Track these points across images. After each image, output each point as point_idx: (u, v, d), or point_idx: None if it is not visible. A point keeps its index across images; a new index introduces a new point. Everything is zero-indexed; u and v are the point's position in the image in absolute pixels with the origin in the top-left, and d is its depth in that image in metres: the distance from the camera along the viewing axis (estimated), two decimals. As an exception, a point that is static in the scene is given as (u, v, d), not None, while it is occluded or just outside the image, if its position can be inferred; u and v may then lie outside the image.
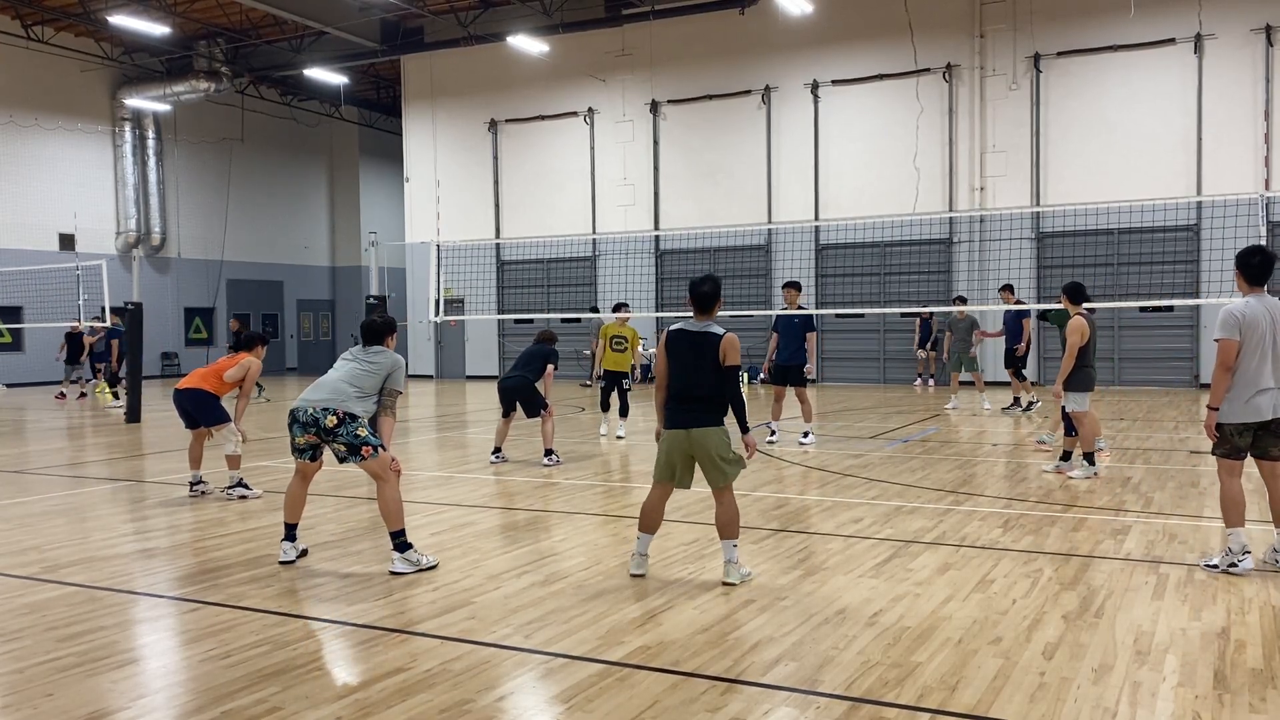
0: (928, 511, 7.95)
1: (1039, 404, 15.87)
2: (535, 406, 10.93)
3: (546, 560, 6.50)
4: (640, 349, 13.37)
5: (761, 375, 12.79)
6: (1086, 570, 6.06)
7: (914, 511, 7.96)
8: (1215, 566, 6.03)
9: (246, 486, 9.06)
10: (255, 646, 4.84)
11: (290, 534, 6.52)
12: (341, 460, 6.26)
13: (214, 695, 4.23)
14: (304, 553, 6.64)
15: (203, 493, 9.13)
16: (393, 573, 6.17)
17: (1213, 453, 6.15)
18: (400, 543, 6.24)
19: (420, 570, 6.20)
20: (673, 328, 6.00)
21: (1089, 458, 9.43)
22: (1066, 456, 9.81)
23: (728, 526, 5.89)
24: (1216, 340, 5.97)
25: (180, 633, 5.18)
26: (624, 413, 13.14)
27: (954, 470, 10.08)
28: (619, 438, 13.01)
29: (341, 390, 6.24)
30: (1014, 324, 15.46)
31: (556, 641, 4.86)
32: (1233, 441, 6.03)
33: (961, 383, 17.27)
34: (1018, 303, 15.71)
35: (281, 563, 6.45)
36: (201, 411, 9.04)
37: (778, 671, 4.41)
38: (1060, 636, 4.83)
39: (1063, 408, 9.62)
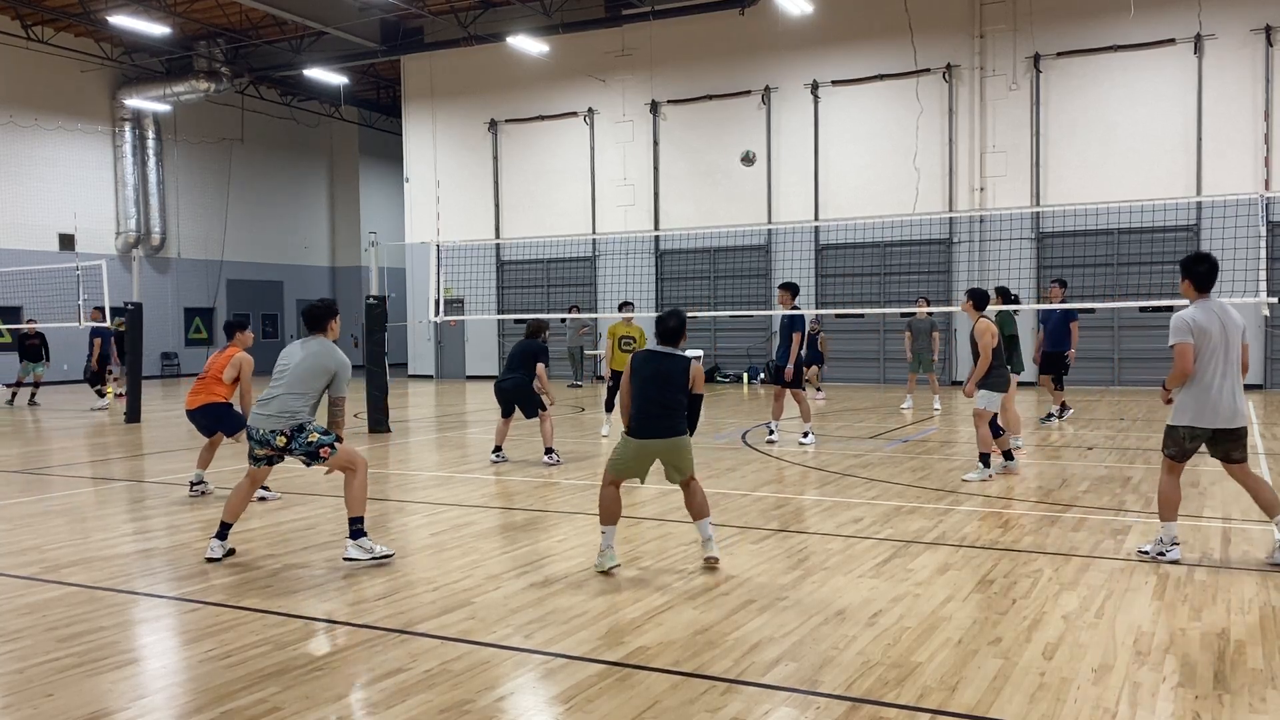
0: (928, 511, 7.95)
1: (1070, 411, 14.66)
2: (533, 407, 10.90)
3: (546, 560, 6.50)
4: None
5: (761, 376, 12.58)
6: (1086, 570, 6.06)
7: (914, 511, 7.96)
8: (1146, 553, 6.37)
9: (266, 488, 8.99)
10: (255, 647, 4.84)
11: (223, 532, 6.57)
12: (307, 465, 6.44)
13: (214, 695, 4.23)
14: (231, 552, 6.65)
15: (202, 493, 9.13)
16: (346, 559, 6.30)
17: (1162, 451, 6.33)
18: (356, 529, 6.33)
19: (375, 559, 6.29)
20: (640, 350, 6.23)
21: (985, 459, 9.48)
22: (1009, 456, 9.88)
23: (702, 508, 6.18)
24: (1172, 346, 6.14)
25: (180, 633, 5.18)
26: None
27: (954, 470, 10.07)
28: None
29: (287, 406, 6.32)
30: (1061, 326, 14.03)
31: (556, 642, 4.86)
32: (1182, 445, 6.21)
33: (919, 382, 17.15)
34: (1063, 301, 14.18)
35: (209, 559, 6.49)
36: (222, 423, 9.03)
37: (778, 672, 4.41)
38: (1060, 636, 4.84)
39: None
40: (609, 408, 13.40)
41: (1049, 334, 14.24)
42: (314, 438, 6.30)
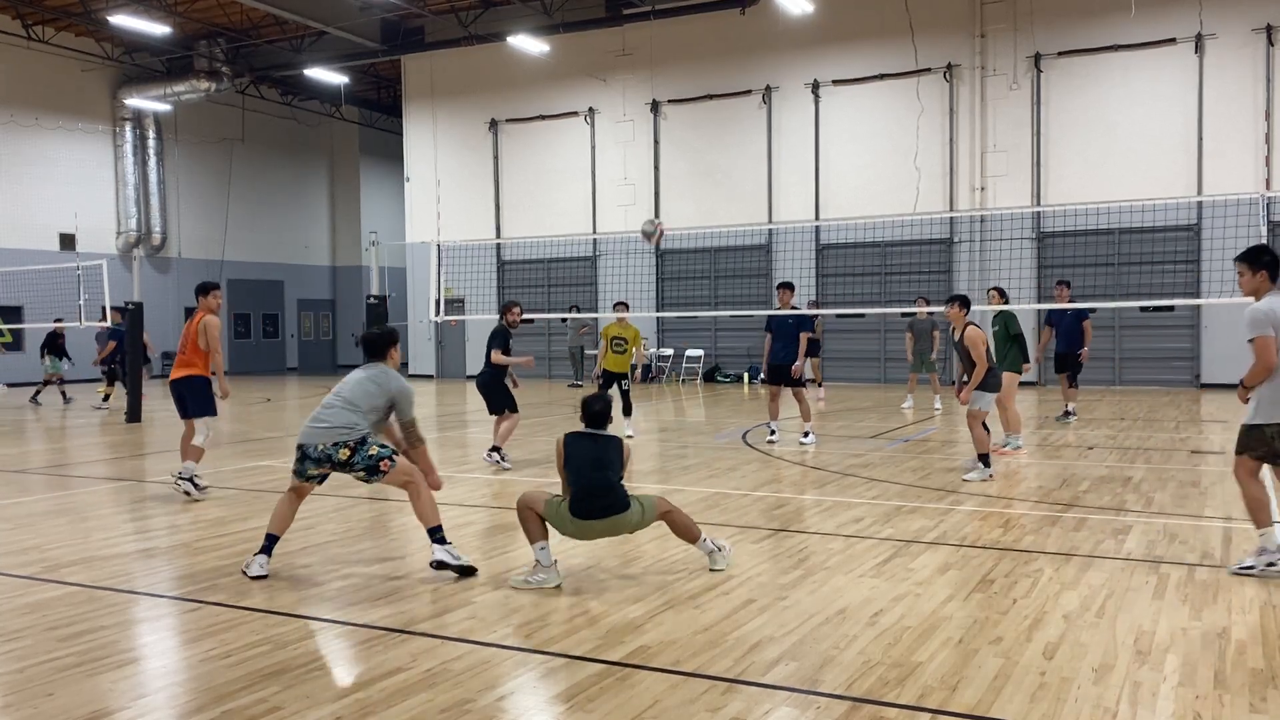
0: (928, 511, 7.94)
1: (1074, 417, 14.52)
2: (498, 403, 10.60)
3: (547, 560, 6.49)
4: (642, 349, 13.31)
5: (761, 375, 12.50)
6: (1087, 570, 6.06)
7: (914, 511, 7.96)
8: (1251, 569, 5.81)
9: (195, 484, 8.92)
10: (255, 646, 4.84)
11: (269, 546, 6.11)
12: (366, 482, 6.14)
13: (214, 695, 4.23)
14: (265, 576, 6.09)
15: (196, 485, 9.12)
16: (435, 563, 5.97)
17: (1242, 453, 5.89)
18: (439, 537, 6.06)
19: (459, 565, 5.98)
20: (570, 434, 6.06)
21: (984, 459, 9.51)
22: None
23: (688, 532, 6.06)
24: (1251, 340, 5.76)
25: (180, 632, 5.18)
26: (628, 411, 13.13)
27: (955, 470, 10.07)
28: (629, 436, 13.01)
29: (348, 419, 6.03)
30: (1074, 326, 14.18)
31: (556, 641, 4.86)
32: (1271, 444, 5.75)
33: (920, 382, 17.16)
34: (1069, 301, 14.30)
35: (252, 578, 6.00)
36: (194, 398, 9.11)
37: (778, 671, 4.41)
38: (1061, 636, 4.83)
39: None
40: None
41: (1063, 334, 14.31)
42: (374, 450, 6.01)
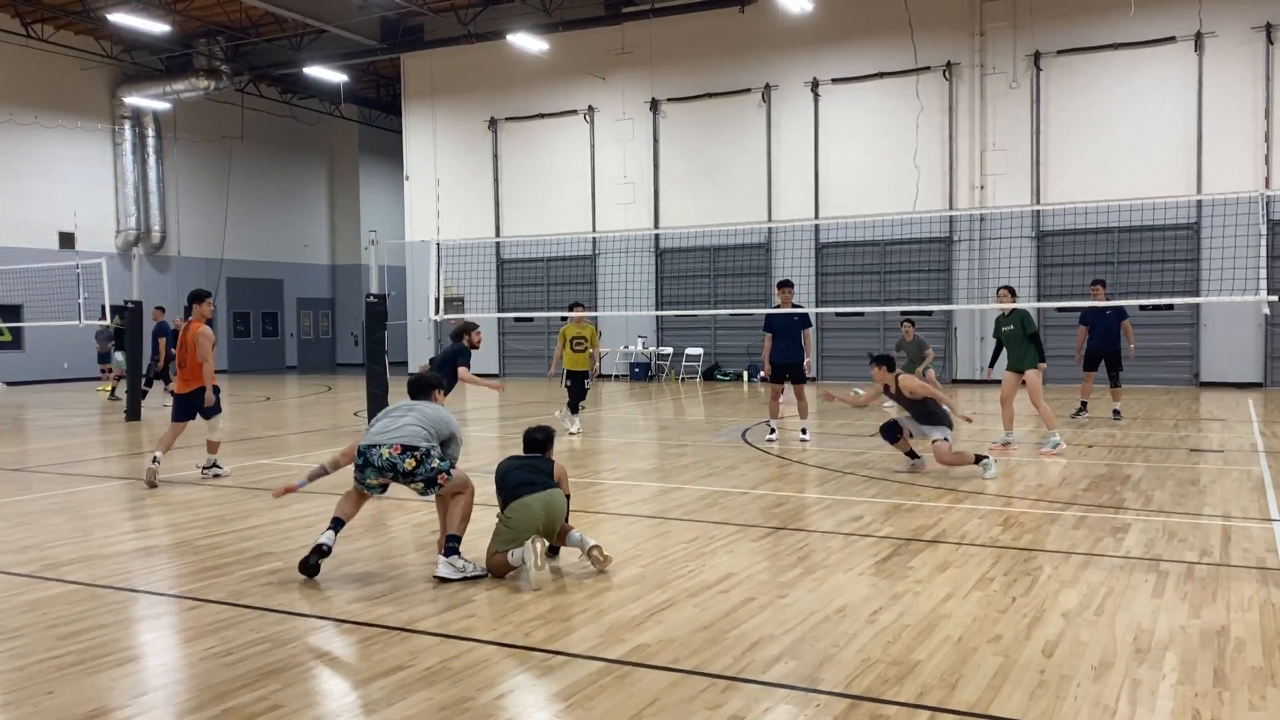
0: (927, 509, 7.95)
1: (1086, 415, 14.61)
2: None
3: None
4: (599, 346, 13.62)
5: (762, 374, 12.53)
6: (1086, 568, 6.06)
7: (914, 509, 7.96)
8: None
9: (219, 467, 9.93)
10: (255, 644, 4.84)
11: (335, 527, 6.11)
12: (423, 494, 6.21)
13: (214, 693, 4.23)
14: (326, 552, 6.05)
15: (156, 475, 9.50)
16: (437, 577, 5.94)
17: None
18: (451, 547, 6.05)
19: (465, 578, 5.95)
20: (507, 458, 6.44)
21: (979, 459, 9.53)
22: (914, 455, 10.10)
23: (563, 536, 6.22)
24: None
25: (180, 630, 5.18)
26: (574, 408, 13.41)
27: (953, 468, 10.05)
28: (572, 433, 13.22)
29: (416, 434, 6.09)
30: (1112, 325, 14.38)
31: (556, 639, 4.86)
32: None
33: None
34: (1108, 297, 14.34)
35: (322, 544, 5.99)
36: (204, 408, 9.84)
37: (778, 669, 4.42)
38: (1060, 634, 4.84)
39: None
40: (574, 409, 13.61)
41: (1101, 333, 14.44)
42: (436, 463, 6.06)
